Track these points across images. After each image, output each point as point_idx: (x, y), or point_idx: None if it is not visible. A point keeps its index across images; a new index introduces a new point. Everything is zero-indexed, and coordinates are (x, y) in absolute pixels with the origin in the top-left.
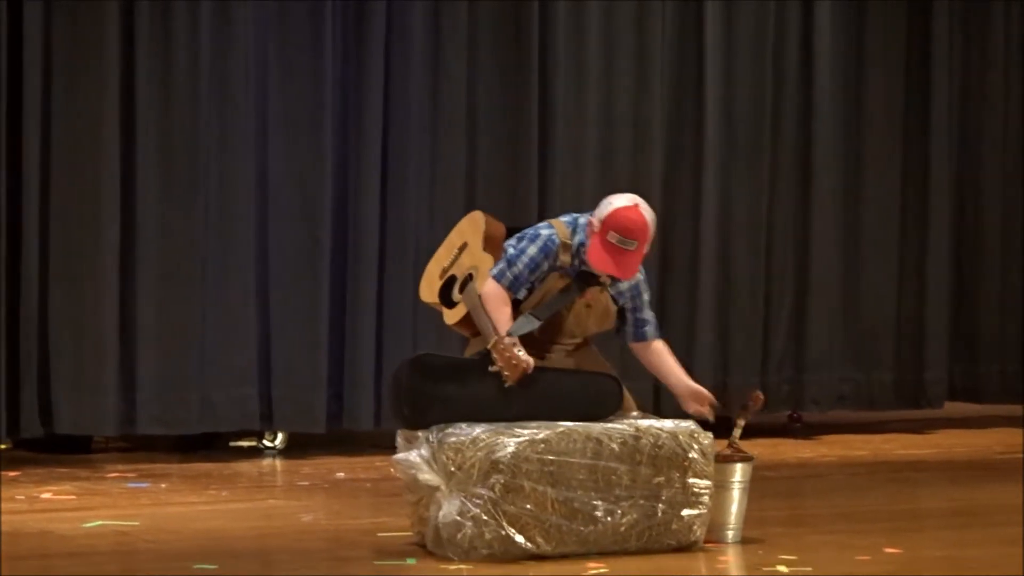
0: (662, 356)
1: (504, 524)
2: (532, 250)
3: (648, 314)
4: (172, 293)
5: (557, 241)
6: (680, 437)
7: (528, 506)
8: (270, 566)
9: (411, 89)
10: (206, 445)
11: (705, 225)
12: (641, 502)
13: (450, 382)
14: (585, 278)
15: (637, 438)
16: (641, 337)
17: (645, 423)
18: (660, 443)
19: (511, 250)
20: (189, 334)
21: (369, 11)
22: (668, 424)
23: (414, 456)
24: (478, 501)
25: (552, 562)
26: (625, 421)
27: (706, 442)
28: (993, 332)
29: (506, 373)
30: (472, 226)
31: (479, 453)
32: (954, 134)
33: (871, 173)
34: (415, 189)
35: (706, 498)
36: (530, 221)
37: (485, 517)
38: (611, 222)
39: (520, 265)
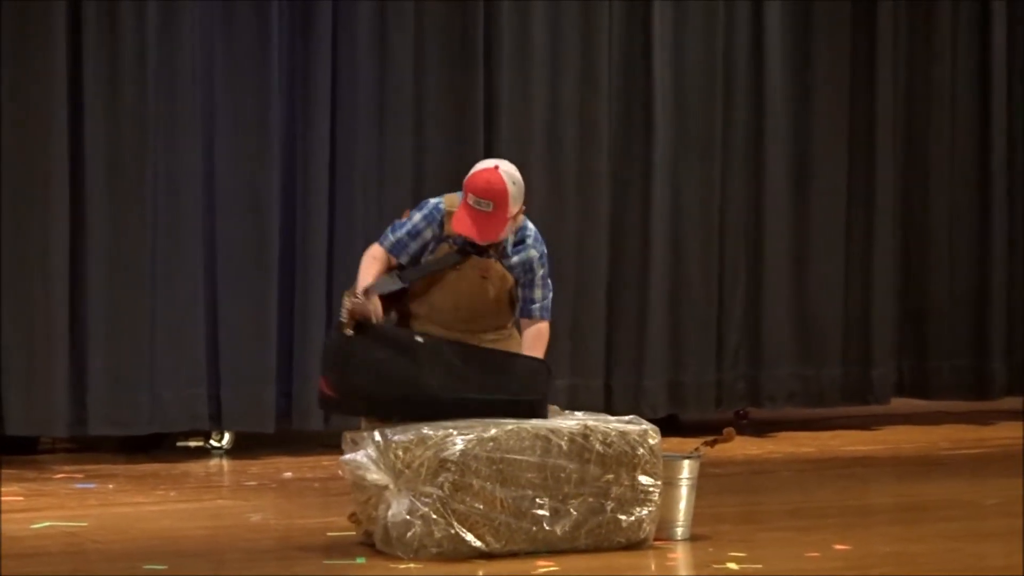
0: (528, 338)
1: (453, 523)
2: (416, 216)
3: (538, 292)
4: (121, 293)
5: (443, 209)
6: (629, 436)
7: (477, 504)
8: (220, 566)
9: (358, 84)
10: (153, 445)
11: (656, 221)
12: (590, 500)
13: (378, 346)
14: (468, 247)
15: (586, 436)
16: (526, 314)
17: (594, 421)
18: (609, 441)
19: (410, 212)
20: (138, 334)
21: (315, 8)
22: (617, 422)
23: (361, 456)
24: (427, 500)
25: (502, 561)
26: (573, 419)
27: (654, 441)
28: (941, 328)
29: (343, 320)
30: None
31: (427, 452)
32: (900, 128)
33: (819, 169)
34: (362, 186)
35: (655, 496)
36: None
37: (434, 516)
38: (468, 185)
39: (402, 230)
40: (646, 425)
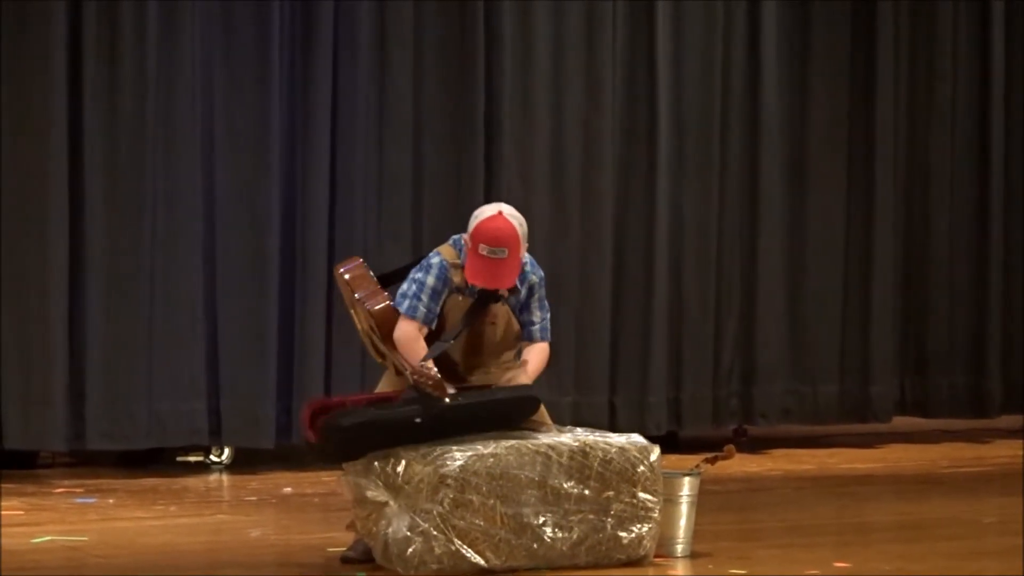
0: (528, 353)
1: (454, 539)
2: (430, 280)
3: (536, 315)
4: (120, 308)
5: (447, 264)
6: (629, 452)
7: (478, 521)
8: None
9: (358, 99)
10: (152, 460)
11: (658, 238)
12: (590, 517)
13: (370, 409)
14: (485, 295)
15: (586, 453)
16: (527, 336)
17: (593, 438)
18: (609, 458)
19: (412, 286)
20: (137, 349)
21: (315, 24)
22: (617, 439)
23: (362, 471)
24: (427, 516)
25: None
26: (573, 436)
27: (654, 457)
28: (941, 346)
29: (433, 391)
30: (344, 287)
31: (427, 468)
32: (899, 146)
33: (817, 185)
34: (362, 201)
35: (655, 513)
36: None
37: (435, 532)
38: (478, 235)
39: (425, 298)
40: (646, 442)
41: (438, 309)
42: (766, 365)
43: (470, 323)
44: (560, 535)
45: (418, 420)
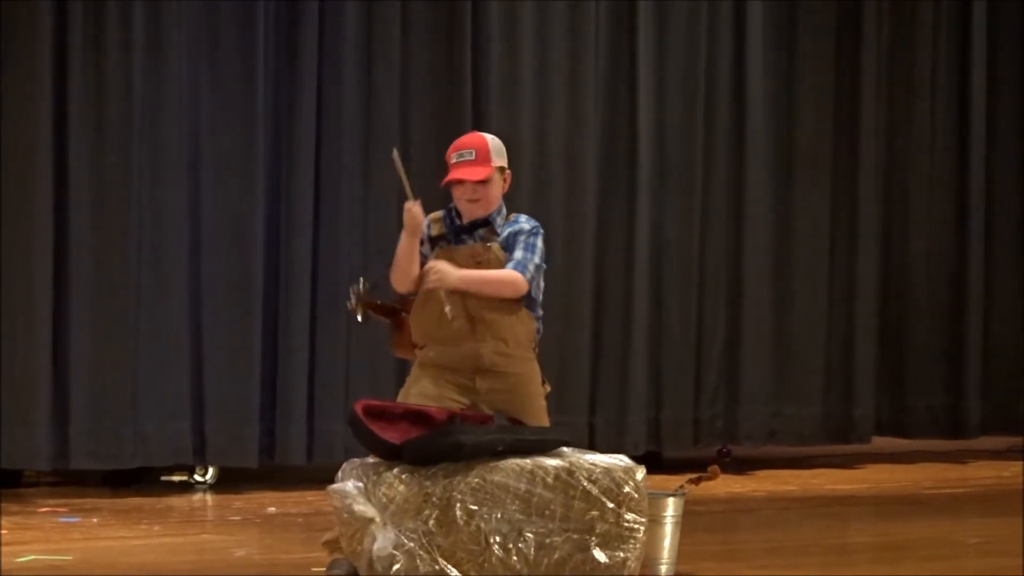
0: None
1: (438, 558)
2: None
3: (518, 253)
4: (104, 326)
5: (427, 217)
6: (614, 472)
7: (462, 539)
8: None
9: (343, 121)
10: (136, 479)
11: (638, 258)
12: (574, 536)
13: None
14: (457, 224)
15: (571, 472)
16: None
17: (579, 458)
18: (594, 478)
19: None
20: (122, 368)
21: (300, 41)
22: (603, 459)
23: (350, 486)
24: (412, 535)
25: None
26: (559, 456)
27: (640, 477)
28: (920, 367)
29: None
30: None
31: (412, 486)
32: (881, 168)
33: (800, 208)
34: (347, 222)
35: (640, 533)
36: None
37: (419, 551)
38: (450, 151)
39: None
40: (631, 463)
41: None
42: (751, 387)
43: (446, 241)
44: (544, 555)
45: (501, 448)
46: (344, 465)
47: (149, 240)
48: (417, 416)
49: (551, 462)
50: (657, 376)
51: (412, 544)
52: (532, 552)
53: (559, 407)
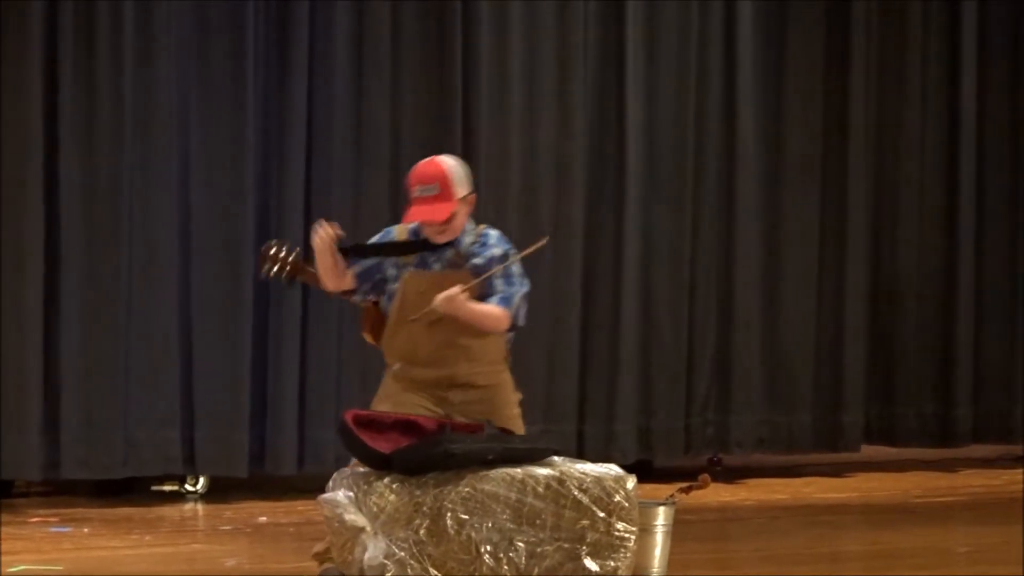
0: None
1: (429, 567)
2: (374, 239)
3: (499, 287)
4: (95, 336)
5: (393, 231)
6: (604, 481)
7: (452, 548)
8: None
9: (334, 129)
10: (127, 489)
11: (627, 266)
12: (565, 546)
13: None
14: (424, 245)
15: (562, 481)
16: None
17: (569, 467)
18: (584, 487)
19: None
20: (112, 377)
21: (290, 48)
22: (593, 468)
23: (341, 496)
24: (403, 544)
25: None
26: (549, 465)
27: (630, 486)
28: (909, 375)
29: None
30: None
31: (402, 495)
32: (871, 176)
33: (789, 216)
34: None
35: (630, 542)
36: None
37: (410, 560)
38: (409, 180)
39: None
40: (622, 472)
41: (376, 275)
42: (742, 395)
43: (397, 252)
44: (535, 564)
45: (491, 457)
46: (335, 474)
47: (139, 250)
48: (407, 426)
49: (542, 471)
50: (647, 384)
51: (403, 553)
52: (523, 561)
53: (547, 415)
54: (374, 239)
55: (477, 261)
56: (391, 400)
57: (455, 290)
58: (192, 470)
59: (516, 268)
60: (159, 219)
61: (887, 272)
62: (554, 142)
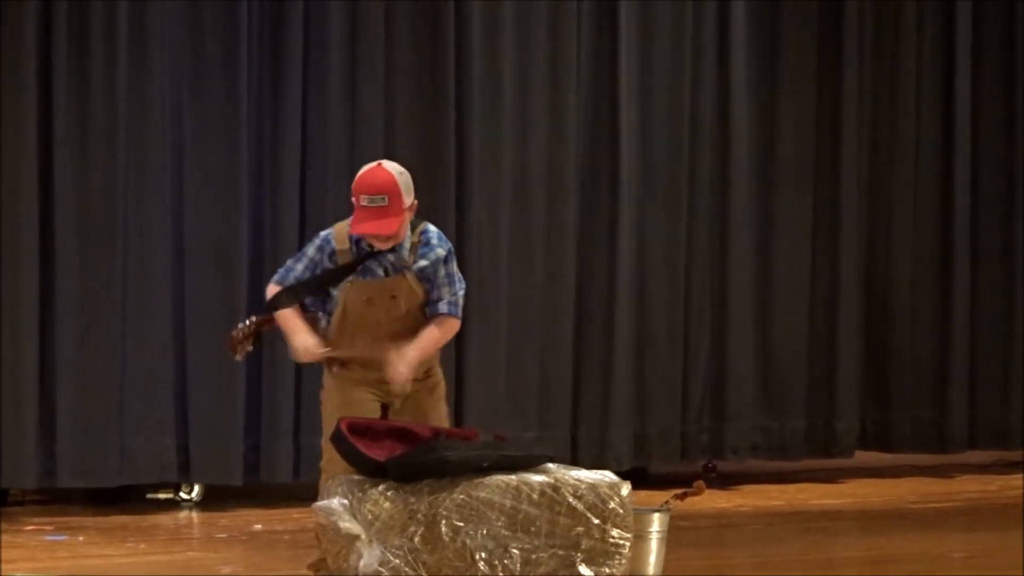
0: (427, 327)
1: (424, 574)
2: (310, 251)
3: (444, 291)
4: (90, 344)
5: (332, 241)
6: (599, 488)
7: (447, 556)
8: None
9: (328, 138)
10: (122, 497)
11: (621, 272)
12: (560, 553)
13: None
14: (368, 251)
15: (556, 488)
16: (433, 311)
17: (564, 474)
18: (579, 494)
19: (296, 255)
20: (107, 386)
21: (285, 60)
22: (588, 475)
23: (335, 503)
24: (398, 551)
25: None
26: (544, 472)
27: (625, 493)
28: (904, 381)
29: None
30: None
31: (398, 503)
32: (864, 182)
33: (783, 222)
34: None
35: (625, 549)
36: None
37: (405, 568)
38: (357, 188)
39: (300, 266)
40: (617, 478)
41: (308, 278)
42: (736, 401)
43: (333, 280)
44: (530, 570)
45: (486, 465)
46: (329, 482)
47: (134, 259)
48: (402, 433)
49: (536, 478)
50: (642, 390)
51: (398, 561)
52: (518, 568)
53: (541, 421)
54: (311, 250)
55: (422, 263)
56: (342, 399)
57: (404, 370)
58: (187, 478)
59: (454, 266)
60: (153, 230)
61: (882, 277)
62: (547, 145)
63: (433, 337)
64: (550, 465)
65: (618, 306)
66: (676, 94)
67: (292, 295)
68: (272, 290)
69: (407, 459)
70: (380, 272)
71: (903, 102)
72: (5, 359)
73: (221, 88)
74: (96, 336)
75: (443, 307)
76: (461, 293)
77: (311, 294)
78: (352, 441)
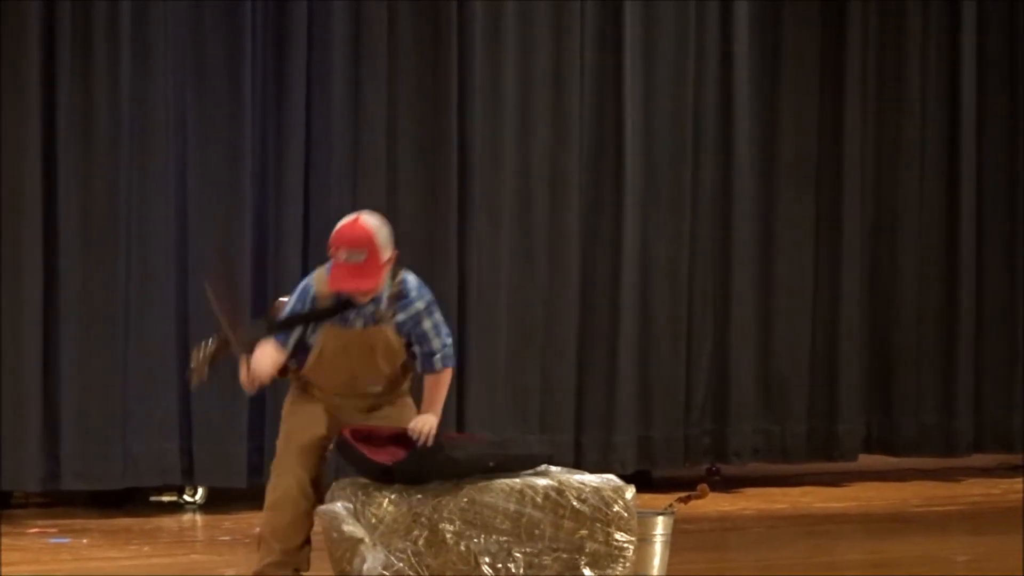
0: (428, 386)
1: None
2: (293, 301)
3: (435, 343)
4: (93, 347)
5: (312, 287)
6: (604, 492)
7: (451, 559)
8: None
9: (332, 140)
10: (126, 500)
11: (625, 276)
12: (564, 556)
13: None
14: (345, 305)
15: (560, 491)
16: (428, 368)
17: (568, 477)
18: (583, 497)
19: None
20: (111, 389)
21: (288, 61)
22: (592, 479)
23: (339, 507)
24: (401, 555)
25: None
26: (548, 476)
27: (629, 496)
28: (910, 385)
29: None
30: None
31: (401, 506)
32: (868, 185)
33: (785, 226)
34: None
35: (629, 552)
36: (447, 277)
37: (409, 571)
38: (335, 241)
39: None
40: (621, 482)
41: (295, 332)
42: (738, 404)
43: (308, 320)
44: (534, 574)
45: (492, 464)
46: (332, 485)
47: (137, 262)
48: (405, 439)
49: (540, 482)
50: (645, 393)
51: (401, 564)
52: (522, 572)
53: (544, 425)
54: (294, 298)
55: (401, 317)
56: (296, 406)
57: (423, 425)
58: (191, 481)
59: (437, 315)
60: (156, 232)
61: (885, 280)
62: (549, 146)
63: (441, 394)
64: (554, 468)
65: (622, 308)
66: (679, 95)
67: (285, 324)
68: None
69: (414, 461)
70: (359, 323)
71: (907, 103)
72: (8, 361)
73: (224, 89)
74: (99, 338)
75: (439, 362)
76: (449, 341)
77: (291, 328)
78: (357, 447)
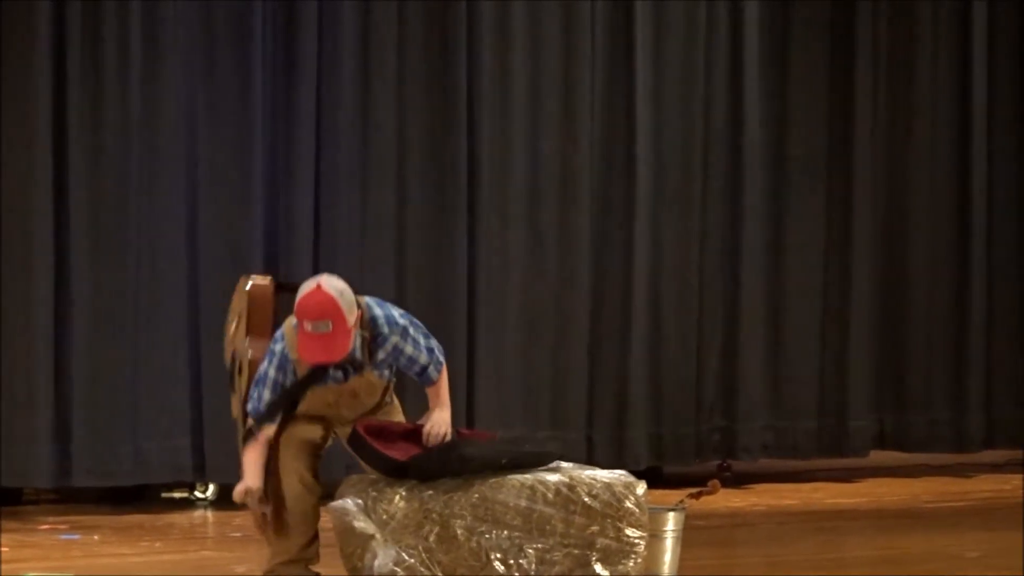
0: (432, 396)
1: (439, 574)
2: (271, 371)
3: (423, 359)
4: (104, 345)
5: (288, 352)
6: (615, 487)
7: (463, 555)
8: None
9: (341, 138)
10: (137, 497)
11: (636, 274)
12: (575, 552)
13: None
14: (324, 368)
15: (572, 487)
16: (428, 382)
17: (579, 473)
18: (594, 492)
19: (258, 376)
20: (121, 385)
21: (298, 61)
22: (603, 474)
23: (349, 504)
24: (412, 551)
25: None
26: (559, 471)
27: (640, 492)
28: (921, 382)
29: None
30: (239, 297)
31: (412, 502)
32: (879, 182)
33: (795, 222)
34: (345, 241)
35: (640, 548)
36: (457, 275)
37: (420, 567)
38: (300, 313)
39: (266, 392)
40: (632, 478)
41: (278, 399)
42: (748, 401)
43: (314, 379)
44: (545, 570)
45: (505, 461)
46: (343, 482)
47: (148, 260)
48: (416, 435)
49: (552, 477)
50: (657, 391)
51: (413, 560)
52: (533, 568)
53: (555, 422)
54: (271, 365)
55: (380, 356)
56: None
57: (445, 426)
58: (201, 477)
59: (412, 330)
60: (166, 231)
61: (896, 277)
62: (560, 146)
63: (445, 390)
64: (565, 464)
65: (632, 306)
66: (689, 95)
67: (269, 418)
68: (250, 424)
69: (428, 458)
70: (340, 375)
71: (918, 100)
72: (19, 358)
73: (234, 90)
74: (110, 336)
75: (434, 373)
76: (434, 345)
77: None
78: (372, 443)
